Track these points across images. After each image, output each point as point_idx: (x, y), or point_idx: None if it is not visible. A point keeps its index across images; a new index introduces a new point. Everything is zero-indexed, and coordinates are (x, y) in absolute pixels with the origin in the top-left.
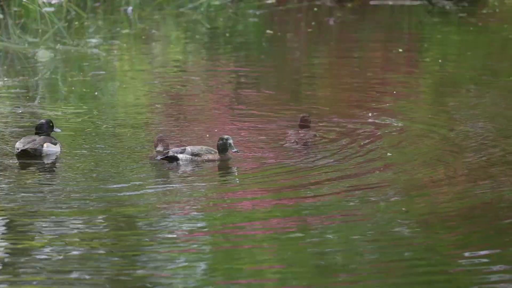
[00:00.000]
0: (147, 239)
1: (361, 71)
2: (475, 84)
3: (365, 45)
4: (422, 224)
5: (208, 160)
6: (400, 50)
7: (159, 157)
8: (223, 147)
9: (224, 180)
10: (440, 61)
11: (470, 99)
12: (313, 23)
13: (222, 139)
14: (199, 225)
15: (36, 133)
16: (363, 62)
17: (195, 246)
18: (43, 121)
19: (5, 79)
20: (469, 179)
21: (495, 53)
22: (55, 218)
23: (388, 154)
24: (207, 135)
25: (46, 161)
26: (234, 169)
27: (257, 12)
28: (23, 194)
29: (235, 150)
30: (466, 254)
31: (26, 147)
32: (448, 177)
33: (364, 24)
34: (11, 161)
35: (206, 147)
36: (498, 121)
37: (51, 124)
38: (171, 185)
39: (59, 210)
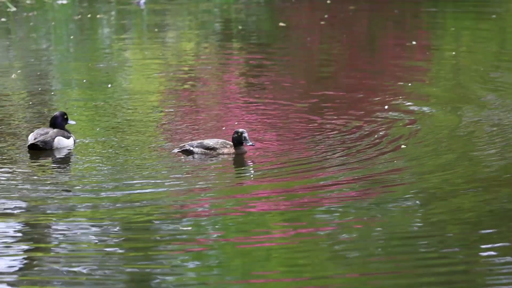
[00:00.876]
0: (159, 237)
1: (376, 61)
2: (493, 73)
3: (379, 35)
4: (438, 220)
5: (223, 154)
6: (414, 42)
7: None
8: (238, 141)
9: (238, 175)
10: (454, 52)
11: (487, 89)
12: (325, 15)
13: (237, 132)
14: (212, 221)
15: (51, 126)
16: (378, 53)
17: (208, 243)
18: (57, 113)
19: (18, 71)
20: (489, 172)
21: (510, 43)
22: (67, 213)
23: (403, 146)
24: (223, 127)
25: (58, 155)
26: (249, 163)
27: (269, 4)
28: (35, 188)
29: (250, 143)
30: (483, 249)
31: (36, 140)
32: (465, 170)
33: (379, 14)
34: (22, 153)
35: (222, 140)
36: None
37: (65, 117)
38: (184, 180)
39: (71, 204)
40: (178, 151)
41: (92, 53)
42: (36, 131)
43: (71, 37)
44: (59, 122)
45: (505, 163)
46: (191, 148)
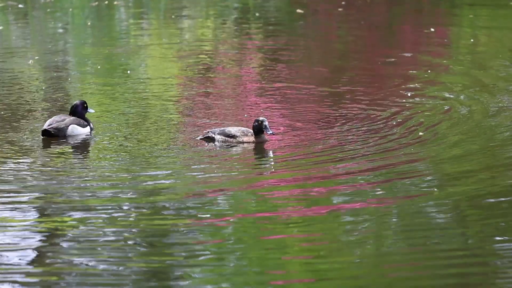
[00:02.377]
0: (175, 227)
1: (395, 48)
2: (509, 61)
3: (396, 23)
4: (455, 209)
5: (243, 142)
6: (432, 29)
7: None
8: (258, 129)
9: (258, 164)
10: (472, 40)
11: (506, 77)
12: (343, 2)
13: (257, 121)
14: (229, 212)
15: (71, 114)
16: (396, 40)
17: (225, 232)
18: (77, 102)
19: (36, 57)
20: (506, 161)
21: None
22: (82, 202)
23: (420, 133)
24: (246, 115)
25: (72, 142)
26: (269, 152)
27: None
28: (51, 176)
29: (270, 132)
30: (499, 241)
31: (50, 127)
32: (482, 159)
33: (397, 1)
34: (36, 140)
35: (244, 128)
36: None
37: (85, 105)
38: (202, 169)
39: (87, 193)
40: (201, 138)
41: (109, 40)
42: (53, 117)
43: (88, 23)
44: (79, 111)
45: None
46: (213, 135)
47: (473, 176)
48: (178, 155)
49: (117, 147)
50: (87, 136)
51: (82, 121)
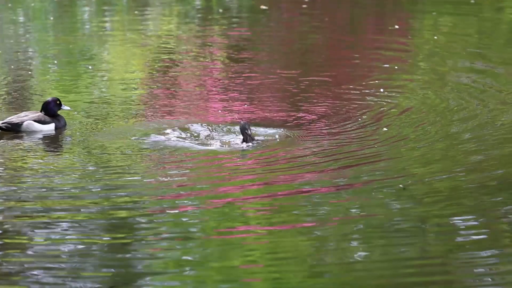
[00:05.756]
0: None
1: (358, 44)
2: (472, 56)
3: (361, 19)
4: (419, 202)
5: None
6: (396, 26)
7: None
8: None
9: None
10: (435, 36)
11: (467, 71)
12: None
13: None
14: (196, 221)
15: (42, 111)
16: (360, 36)
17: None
18: (49, 99)
19: None
20: (467, 153)
21: (488, 28)
22: (45, 207)
23: (384, 129)
24: (219, 111)
25: (26, 139)
26: (230, 154)
27: None
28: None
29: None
30: (462, 228)
31: (1, 122)
32: (445, 153)
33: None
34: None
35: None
36: (495, 95)
37: (58, 102)
38: (165, 173)
39: (49, 196)
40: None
41: (71, 35)
42: (22, 113)
43: (51, 18)
44: (50, 108)
45: (481, 144)
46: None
47: (436, 172)
48: (138, 153)
49: (71, 146)
50: (49, 133)
51: (45, 118)
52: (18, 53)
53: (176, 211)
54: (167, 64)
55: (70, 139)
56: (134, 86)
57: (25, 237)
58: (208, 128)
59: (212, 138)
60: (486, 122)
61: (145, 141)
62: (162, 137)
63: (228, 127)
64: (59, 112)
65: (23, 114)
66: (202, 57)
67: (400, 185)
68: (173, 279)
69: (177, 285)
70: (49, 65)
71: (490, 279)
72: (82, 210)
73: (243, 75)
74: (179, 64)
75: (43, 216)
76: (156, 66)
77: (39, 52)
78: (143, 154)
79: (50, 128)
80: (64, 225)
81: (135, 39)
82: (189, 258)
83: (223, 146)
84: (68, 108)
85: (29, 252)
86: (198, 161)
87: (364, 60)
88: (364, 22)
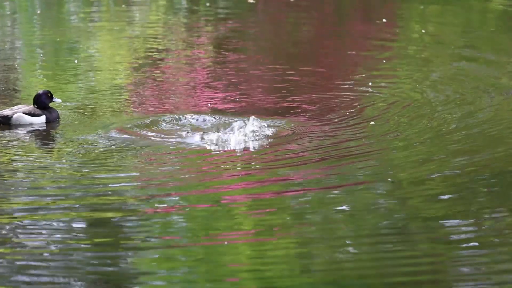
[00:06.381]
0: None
1: (346, 38)
2: (460, 51)
3: (349, 13)
4: (407, 199)
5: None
6: (384, 20)
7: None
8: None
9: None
10: (423, 30)
11: (456, 63)
12: None
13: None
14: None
15: (34, 104)
16: (348, 30)
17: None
18: (40, 92)
19: None
20: (454, 147)
21: (476, 17)
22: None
23: (372, 122)
24: (209, 104)
25: (16, 132)
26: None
27: None
28: None
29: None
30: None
31: None
32: (435, 146)
33: None
34: None
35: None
36: (485, 86)
37: (49, 95)
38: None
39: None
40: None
41: (58, 28)
42: (15, 106)
43: (38, 11)
44: (42, 100)
45: (471, 137)
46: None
47: (423, 165)
48: (126, 148)
49: (61, 141)
50: (39, 126)
51: (36, 110)
52: (6, 45)
53: (164, 207)
54: (155, 56)
55: (58, 133)
56: (121, 78)
57: (9, 236)
58: (196, 120)
59: (201, 132)
60: (476, 113)
61: (132, 135)
62: (150, 131)
63: (216, 119)
64: (51, 104)
65: (15, 107)
66: (189, 48)
67: (389, 179)
68: (160, 279)
69: (165, 285)
70: (36, 57)
71: (478, 279)
72: (66, 208)
73: (230, 67)
74: (166, 56)
75: (25, 215)
76: (143, 58)
77: (26, 44)
78: (131, 149)
79: (40, 121)
80: (49, 223)
81: (122, 30)
82: (177, 257)
83: (211, 140)
84: (59, 100)
85: (15, 251)
86: (186, 157)
87: (352, 52)
88: (352, 14)
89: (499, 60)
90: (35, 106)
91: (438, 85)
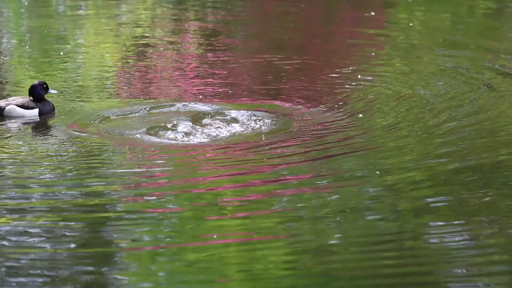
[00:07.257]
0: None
1: (335, 31)
2: (447, 43)
3: (338, 5)
4: (395, 191)
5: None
6: (373, 13)
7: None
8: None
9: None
10: (411, 24)
11: (444, 58)
12: None
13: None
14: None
15: (29, 95)
16: (336, 22)
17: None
18: (36, 83)
19: None
20: (444, 139)
21: (464, 13)
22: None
23: (360, 115)
24: (201, 96)
25: (9, 125)
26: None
27: None
28: None
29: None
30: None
31: None
32: (422, 139)
33: None
34: None
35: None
36: (473, 80)
37: (44, 86)
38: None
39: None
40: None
41: (45, 20)
42: (10, 98)
43: (25, 3)
44: (37, 92)
45: (458, 131)
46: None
47: (413, 160)
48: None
49: (52, 133)
50: (32, 119)
51: (30, 103)
52: None
53: (153, 207)
54: (143, 47)
55: (50, 125)
56: (109, 70)
57: None
58: (185, 113)
59: (188, 126)
60: (463, 107)
61: (123, 129)
62: (140, 126)
63: (205, 111)
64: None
65: (11, 98)
66: (177, 41)
67: (377, 172)
68: (147, 278)
69: (151, 285)
70: (23, 48)
71: (465, 270)
72: (55, 204)
73: (219, 59)
74: (154, 47)
75: (15, 209)
76: (131, 50)
77: (13, 35)
78: (121, 142)
79: (33, 113)
80: (33, 223)
81: (109, 22)
82: (166, 258)
83: (200, 133)
84: (55, 91)
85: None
86: (175, 154)
87: (340, 46)
88: (340, 7)
89: (490, 47)
90: (31, 97)
91: (428, 78)
